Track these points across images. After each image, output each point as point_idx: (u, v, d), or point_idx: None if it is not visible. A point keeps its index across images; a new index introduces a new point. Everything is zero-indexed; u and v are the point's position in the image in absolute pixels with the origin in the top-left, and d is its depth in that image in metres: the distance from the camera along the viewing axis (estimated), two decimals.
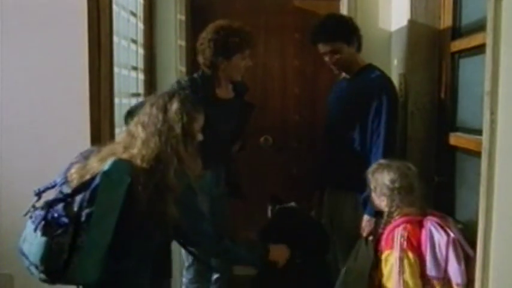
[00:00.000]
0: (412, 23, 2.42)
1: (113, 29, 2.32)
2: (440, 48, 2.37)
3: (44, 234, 1.44)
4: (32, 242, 1.47)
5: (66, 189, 1.54)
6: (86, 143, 2.17)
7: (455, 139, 2.20)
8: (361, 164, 2.09)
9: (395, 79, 2.63)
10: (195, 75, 2.29)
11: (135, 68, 2.78)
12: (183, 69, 2.90)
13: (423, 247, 1.75)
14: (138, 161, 1.52)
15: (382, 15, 2.81)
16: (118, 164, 1.49)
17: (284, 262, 1.88)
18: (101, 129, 2.26)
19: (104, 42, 2.24)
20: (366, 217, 2.13)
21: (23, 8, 2.30)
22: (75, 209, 1.45)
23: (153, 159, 1.53)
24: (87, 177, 1.50)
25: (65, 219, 1.44)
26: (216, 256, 2.07)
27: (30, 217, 1.53)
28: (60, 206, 1.47)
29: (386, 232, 1.84)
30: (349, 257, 2.06)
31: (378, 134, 2.20)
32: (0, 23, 2.29)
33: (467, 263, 1.71)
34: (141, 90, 2.81)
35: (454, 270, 1.69)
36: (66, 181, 1.57)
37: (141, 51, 2.82)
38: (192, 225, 1.69)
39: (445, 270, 1.71)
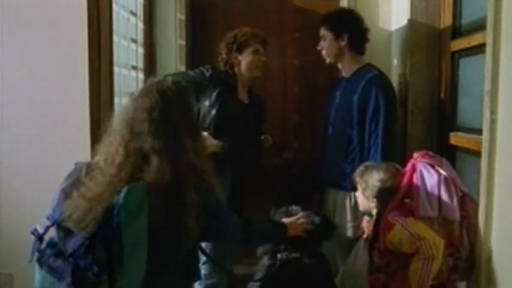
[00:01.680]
0: (412, 22, 2.42)
1: (113, 29, 2.32)
2: (440, 47, 2.38)
3: None
4: None
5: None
6: (86, 143, 2.18)
7: (455, 138, 2.20)
8: (360, 164, 2.08)
9: (395, 79, 2.63)
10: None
11: (135, 68, 2.78)
12: (183, 68, 2.89)
13: (415, 189, 1.71)
14: (154, 184, 1.38)
15: (382, 14, 2.81)
16: (132, 192, 1.33)
17: (299, 233, 1.88)
18: (101, 129, 2.26)
19: (103, 41, 2.24)
20: (365, 217, 2.13)
21: (23, 7, 2.30)
22: (101, 253, 1.30)
23: (170, 177, 1.40)
24: (99, 209, 1.33)
25: (95, 268, 1.30)
26: (246, 242, 2.00)
27: (39, 262, 1.38)
28: (81, 252, 1.32)
29: (380, 229, 1.81)
30: (348, 258, 2.06)
31: (376, 135, 2.20)
32: (0, 23, 2.29)
33: (462, 200, 1.69)
34: None
35: (448, 208, 1.66)
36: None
37: (141, 50, 2.82)
38: (221, 225, 1.63)
39: (440, 210, 1.68)
